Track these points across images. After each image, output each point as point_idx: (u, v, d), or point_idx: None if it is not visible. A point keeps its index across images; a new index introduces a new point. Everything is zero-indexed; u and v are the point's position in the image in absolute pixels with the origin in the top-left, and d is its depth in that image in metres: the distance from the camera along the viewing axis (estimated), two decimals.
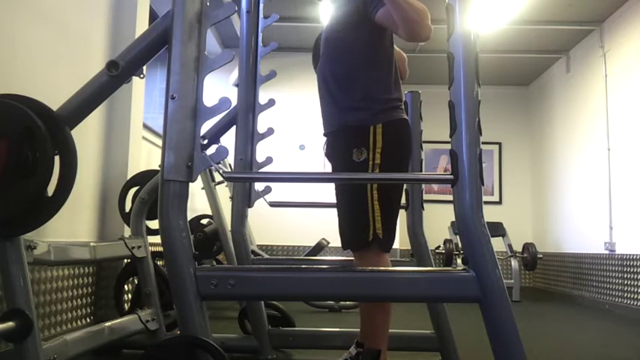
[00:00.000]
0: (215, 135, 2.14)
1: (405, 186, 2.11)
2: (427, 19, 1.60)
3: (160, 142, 1.44)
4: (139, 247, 2.15)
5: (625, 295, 4.22)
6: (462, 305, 1.30)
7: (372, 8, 1.66)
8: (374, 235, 1.61)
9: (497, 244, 5.10)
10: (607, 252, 4.56)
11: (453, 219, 1.09)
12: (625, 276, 4.24)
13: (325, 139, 1.85)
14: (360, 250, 1.66)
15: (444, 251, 5.29)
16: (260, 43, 2.15)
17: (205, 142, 1.24)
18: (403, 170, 1.74)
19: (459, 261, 4.97)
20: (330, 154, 1.82)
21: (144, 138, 3.09)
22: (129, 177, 2.64)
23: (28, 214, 1.25)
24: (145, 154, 3.11)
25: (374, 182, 1.66)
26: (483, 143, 1.10)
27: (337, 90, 1.76)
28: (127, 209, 2.48)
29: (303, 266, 1.53)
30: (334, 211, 1.80)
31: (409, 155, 1.77)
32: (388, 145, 1.66)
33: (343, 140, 1.72)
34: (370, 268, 1.16)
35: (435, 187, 6.14)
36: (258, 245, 4.33)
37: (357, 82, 1.73)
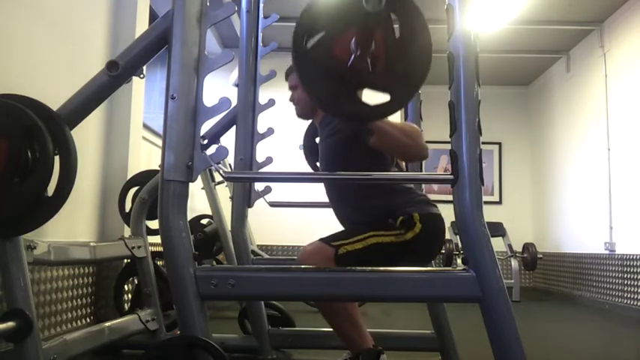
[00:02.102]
0: (215, 135, 2.14)
1: None
2: (420, 139, 1.57)
3: (159, 142, 1.44)
4: (139, 247, 2.15)
5: (625, 295, 4.22)
6: (462, 305, 1.29)
7: (363, 135, 1.60)
8: (338, 245, 1.58)
9: (497, 244, 5.09)
10: (607, 252, 4.56)
11: (453, 219, 1.09)
12: (625, 276, 4.24)
13: None
14: (320, 242, 1.62)
15: (443, 251, 5.28)
16: (260, 43, 2.15)
17: (205, 142, 1.24)
18: (427, 262, 1.74)
19: (459, 261, 4.97)
20: None
21: (144, 138, 3.08)
22: (129, 177, 2.64)
23: (28, 214, 1.25)
24: (145, 154, 3.11)
25: (375, 182, 1.65)
26: (483, 143, 1.10)
27: (359, 211, 1.72)
28: (127, 209, 2.47)
29: (303, 266, 1.53)
30: None
31: (439, 251, 1.72)
32: (425, 232, 1.60)
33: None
34: (370, 268, 1.16)
35: (435, 187, 6.13)
36: (258, 245, 4.33)
37: (377, 198, 1.68)
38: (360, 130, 1.61)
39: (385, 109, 1.17)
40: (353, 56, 1.08)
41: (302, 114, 1.85)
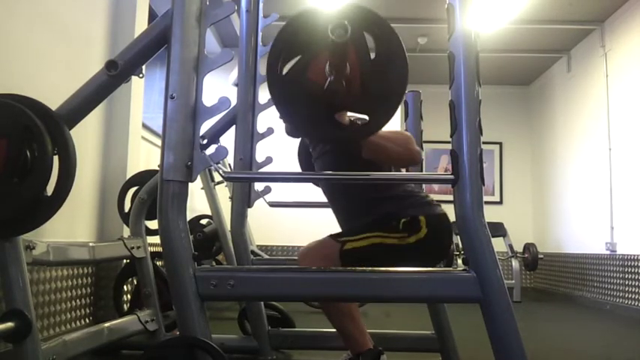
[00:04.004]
0: (215, 135, 2.13)
1: None
2: (410, 145, 1.56)
3: (159, 141, 1.44)
4: (138, 247, 2.15)
5: (626, 295, 4.21)
6: (462, 305, 1.29)
7: (356, 150, 1.59)
8: (344, 242, 1.58)
9: (498, 244, 5.08)
10: (608, 252, 4.55)
11: (454, 219, 1.08)
12: (626, 276, 4.23)
13: None
14: (328, 237, 1.64)
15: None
16: (260, 43, 2.15)
17: (205, 141, 1.24)
18: (438, 261, 1.72)
19: (460, 261, 4.96)
20: None
21: (143, 138, 3.08)
22: (128, 177, 2.64)
23: (27, 214, 1.25)
24: (144, 154, 3.10)
25: (375, 182, 1.64)
26: (484, 143, 1.10)
27: (359, 218, 1.71)
28: (127, 209, 2.47)
29: (302, 267, 1.52)
30: None
31: (447, 253, 1.70)
32: (431, 235, 1.59)
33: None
34: (370, 269, 1.16)
35: (436, 187, 6.12)
36: (257, 245, 4.32)
37: (382, 205, 1.67)
38: (352, 145, 1.61)
39: (363, 131, 1.16)
40: (328, 80, 1.07)
41: (291, 131, 1.80)
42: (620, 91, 4.53)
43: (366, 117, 1.15)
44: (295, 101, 1.12)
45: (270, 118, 2.31)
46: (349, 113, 1.61)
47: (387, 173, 1.66)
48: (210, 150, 1.13)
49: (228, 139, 2.03)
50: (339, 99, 1.12)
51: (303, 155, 2.04)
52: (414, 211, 1.63)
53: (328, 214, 1.91)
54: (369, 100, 1.11)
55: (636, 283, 4.08)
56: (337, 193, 1.79)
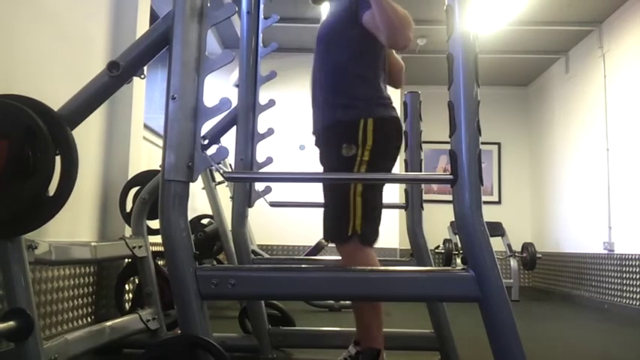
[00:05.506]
0: (215, 135, 2.14)
1: (404, 186, 2.11)
2: (409, 29, 1.60)
3: (160, 142, 1.45)
4: (140, 246, 2.16)
5: (624, 294, 4.23)
6: (461, 304, 1.30)
7: (360, 9, 1.68)
8: (353, 230, 1.63)
9: (497, 243, 5.10)
10: (606, 252, 4.57)
11: (453, 219, 1.09)
12: (624, 276, 4.24)
13: (315, 138, 1.89)
14: (340, 244, 1.68)
15: (443, 251, 5.29)
16: (260, 44, 2.16)
17: (206, 142, 1.25)
18: (390, 169, 1.78)
19: (459, 261, 4.98)
20: (320, 148, 1.86)
21: (144, 138, 3.09)
22: (130, 177, 2.65)
23: (29, 214, 1.25)
24: (146, 155, 3.11)
25: (373, 182, 1.66)
26: (483, 143, 1.11)
27: (326, 88, 1.80)
28: (128, 209, 2.48)
29: (303, 266, 1.53)
30: None
31: (398, 153, 1.80)
32: (378, 142, 1.69)
33: (333, 135, 1.75)
34: (370, 268, 1.17)
35: (435, 187, 6.13)
36: (258, 245, 4.33)
37: (346, 80, 1.77)
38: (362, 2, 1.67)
39: None
40: None
41: None
42: (617, 92, 4.54)
43: None
44: None
45: (270, 119, 2.33)
46: None
47: (386, 174, 1.67)
48: (211, 150, 1.14)
49: (228, 140, 2.04)
50: None
51: None
52: (367, 114, 1.70)
53: None
54: None
55: (634, 283, 4.10)
56: (316, 86, 1.87)
